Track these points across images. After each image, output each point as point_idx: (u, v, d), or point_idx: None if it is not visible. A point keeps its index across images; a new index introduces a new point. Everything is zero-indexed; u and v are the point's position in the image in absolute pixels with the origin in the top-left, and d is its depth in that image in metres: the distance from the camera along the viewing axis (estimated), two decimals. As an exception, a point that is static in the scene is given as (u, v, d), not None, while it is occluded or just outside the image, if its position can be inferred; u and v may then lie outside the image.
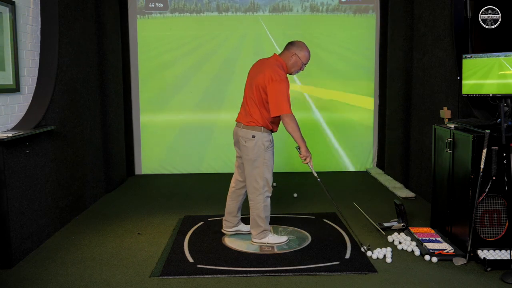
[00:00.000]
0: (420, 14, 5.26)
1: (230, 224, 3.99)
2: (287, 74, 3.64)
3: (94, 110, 5.16)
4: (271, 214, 3.83)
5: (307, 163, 3.63)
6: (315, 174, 3.74)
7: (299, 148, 3.60)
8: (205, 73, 6.62)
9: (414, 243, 3.72)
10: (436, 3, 4.80)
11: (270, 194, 3.74)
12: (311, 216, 4.53)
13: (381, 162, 6.64)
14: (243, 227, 4.02)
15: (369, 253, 3.54)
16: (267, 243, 3.76)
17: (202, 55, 6.61)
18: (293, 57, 3.60)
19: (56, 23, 4.18)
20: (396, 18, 5.94)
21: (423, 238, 3.77)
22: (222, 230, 4.02)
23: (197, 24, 6.59)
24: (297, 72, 3.69)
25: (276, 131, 3.75)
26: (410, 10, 5.56)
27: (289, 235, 3.97)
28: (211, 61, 6.62)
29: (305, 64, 3.65)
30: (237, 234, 4.01)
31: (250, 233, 3.89)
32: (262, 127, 3.59)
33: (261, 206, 3.69)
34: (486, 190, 3.35)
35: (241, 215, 4.04)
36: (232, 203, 3.96)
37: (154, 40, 6.55)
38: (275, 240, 3.79)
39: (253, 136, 3.58)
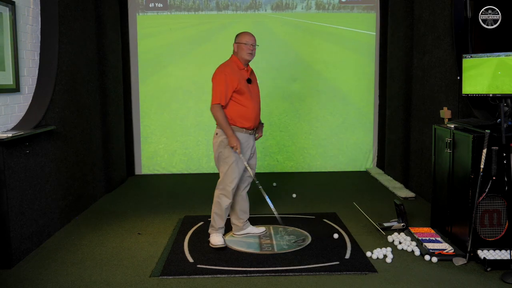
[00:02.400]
0: (420, 14, 5.26)
1: (238, 227, 4.00)
2: (247, 61, 3.75)
3: (94, 110, 5.16)
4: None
5: (236, 151, 3.66)
6: (245, 163, 3.75)
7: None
8: (205, 73, 6.60)
9: (414, 243, 3.72)
10: (436, 3, 4.79)
11: (227, 195, 3.70)
12: (311, 216, 4.53)
13: (381, 162, 6.64)
14: (252, 229, 4.02)
15: (368, 253, 3.55)
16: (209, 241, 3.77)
17: (202, 55, 6.60)
18: (236, 46, 3.79)
19: (56, 23, 4.18)
20: (396, 18, 5.94)
21: (423, 238, 3.77)
22: (232, 235, 4.02)
23: (197, 22, 6.59)
24: (251, 54, 3.74)
25: (249, 127, 3.72)
26: (410, 10, 5.55)
27: (289, 235, 3.97)
28: (211, 61, 6.59)
29: (250, 43, 3.73)
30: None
31: (259, 235, 3.98)
32: None
33: (215, 200, 3.77)
34: (486, 190, 3.35)
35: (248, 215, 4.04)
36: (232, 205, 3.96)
37: (154, 40, 6.55)
38: (215, 240, 3.72)
39: (216, 134, 3.74)
